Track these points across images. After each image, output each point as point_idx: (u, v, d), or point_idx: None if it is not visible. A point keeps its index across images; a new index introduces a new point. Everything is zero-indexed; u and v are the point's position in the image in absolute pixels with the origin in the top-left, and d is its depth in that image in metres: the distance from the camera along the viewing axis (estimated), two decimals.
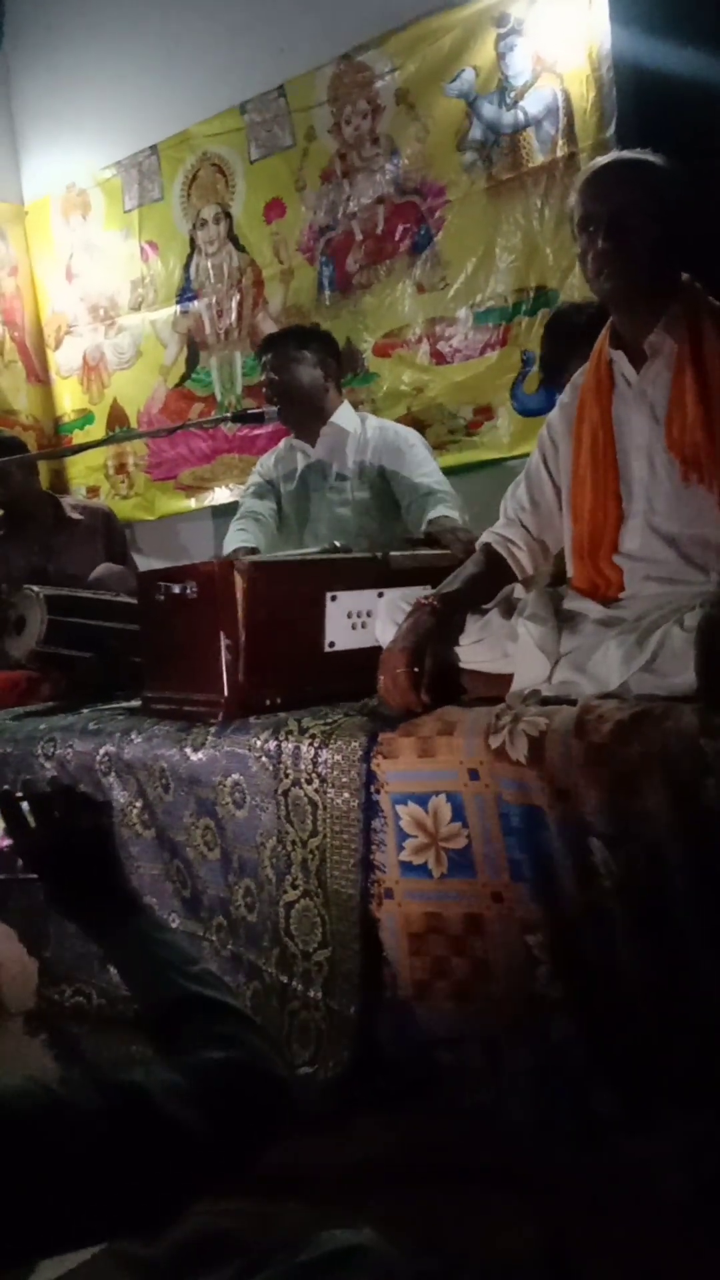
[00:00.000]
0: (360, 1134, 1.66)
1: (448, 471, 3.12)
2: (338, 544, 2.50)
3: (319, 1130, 1.66)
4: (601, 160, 1.87)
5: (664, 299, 1.81)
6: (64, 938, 2.25)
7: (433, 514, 2.62)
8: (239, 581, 1.93)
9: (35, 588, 2.78)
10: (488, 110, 3.33)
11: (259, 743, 1.87)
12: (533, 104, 3.23)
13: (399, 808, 1.70)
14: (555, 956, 1.55)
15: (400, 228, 3.59)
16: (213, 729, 1.97)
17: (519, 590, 1.96)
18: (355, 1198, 1.47)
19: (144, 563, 3.92)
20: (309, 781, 1.79)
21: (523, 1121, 1.56)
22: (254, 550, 2.91)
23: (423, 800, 1.68)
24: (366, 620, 2.00)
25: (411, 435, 3.06)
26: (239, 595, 1.93)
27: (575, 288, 3.14)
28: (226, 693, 1.99)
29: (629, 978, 1.49)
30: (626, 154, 1.85)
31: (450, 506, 2.81)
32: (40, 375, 4.71)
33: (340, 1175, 1.53)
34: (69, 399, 4.69)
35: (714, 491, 1.72)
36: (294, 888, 1.83)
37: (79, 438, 4.60)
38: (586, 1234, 1.32)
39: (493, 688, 1.77)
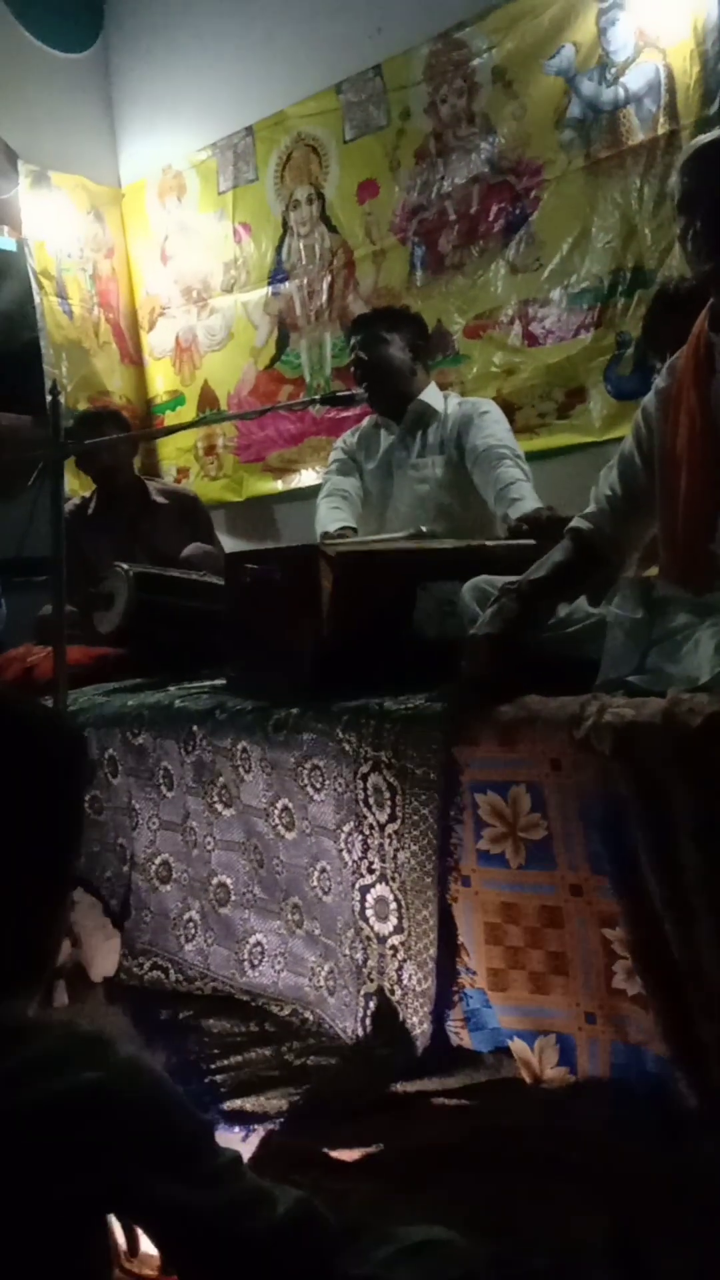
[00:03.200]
0: (432, 1118, 1.66)
1: (537, 455, 3.07)
2: (424, 529, 2.49)
3: (391, 1112, 1.67)
4: (705, 138, 1.81)
5: None
6: (144, 910, 2.29)
7: (517, 509, 2.56)
8: (325, 569, 1.93)
9: (125, 565, 2.83)
10: (587, 87, 3.26)
11: (339, 726, 1.87)
12: (634, 80, 3.14)
13: (477, 796, 1.69)
14: (635, 952, 1.53)
15: (495, 208, 3.54)
16: (294, 711, 1.98)
17: None
18: (425, 1180, 1.47)
19: (231, 544, 3.96)
20: (388, 766, 1.78)
21: (597, 1116, 1.54)
22: (354, 529, 2.89)
23: (502, 789, 1.66)
24: (456, 610, 1.98)
25: (485, 403, 3.00)
26: (325, 583, 1.93)
27: (674, 269, 3.05)
28: (309, 677, 1.99)
29: (711, 976, 1.46)
30: None
31: (514, 465, 2.73)
32: (134, 357, 4.77)
33: (410, 1158, 1.53)
34: (161, 380, 4.74)
35: None
36: (370, 872, 1.84)
37: (170, 419, 4.65)
38: (658, 1226, 1.30)
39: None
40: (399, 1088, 1.70)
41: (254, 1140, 1.61)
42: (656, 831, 1.49)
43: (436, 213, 3.70)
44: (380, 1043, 1.80)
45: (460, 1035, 1.76)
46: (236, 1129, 1.66)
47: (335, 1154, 1.56)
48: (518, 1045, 1.66)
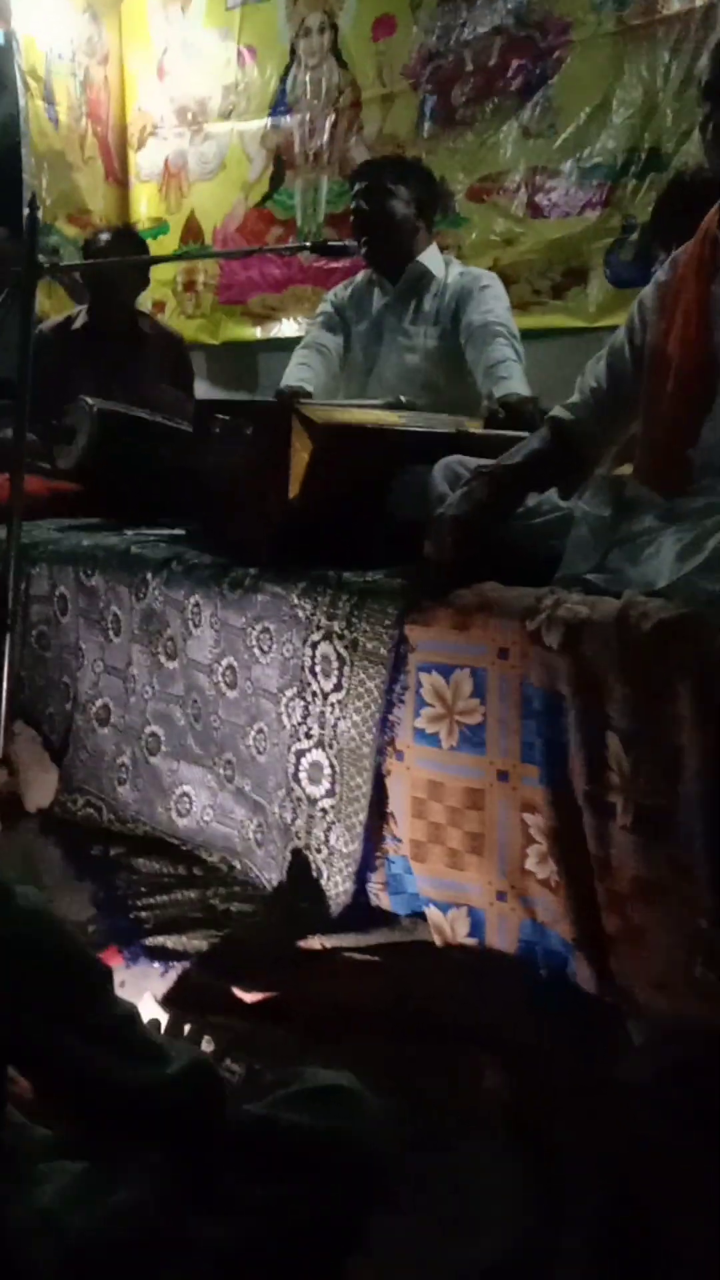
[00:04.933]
0: (345, 973, 1.74)
1: (527, 334, 2.99)
2: (404, 399, 2.43)
3: (309, 967, 1.74)
4: None
5: None
6: (81, 750, 2.32)
7: (502, 388, 2.50)
8: (301, 433, 1.88)
9: (90, 401, 2.74)
10: None
11: (295, 593, 1.86)
12: None
13: (422, 675, 1.71)
14: (552, 839, 1.58)
15: (514, 64, 3.35)
16: (252, 572, 1.96)
17: None
18: (332, 1031, 1.55)
19: (205, 390, 3.86)
20: (339, 637, 1.79)
21: (501, 986, 1.62)
22: (309, 395, 2.80)
23: (446, 672, 1.68)
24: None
25: (487, 276, 2.87)
26: (299, 447, 1.89)
27: (691, 155, 2.94)
28: (271, 542, 1.97)
29: (621, 871, 1.52)
30: None
31: (508, 345, 2.66)
32: (119, 176, 4.52)
33: (324, 1011, 1.61)
34: (145, 205, 4.51)
35: None
36: (308, 737, 1.87)
37: (153, 247, 4.43)
38: (547, 1099, 1.39)
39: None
40: (317, 941, 1.77)
41: (171, 977, 1.68)
42: (589, 729, 1.52)
43: (453, 61, 3.50)
44: (302, 896, 1.87)
45: (380, 897, 1.82)
46: (157, 964, 1.73)
47: (248, 997, 1.63)
48: (433, 913, 1.73)
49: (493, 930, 1.67)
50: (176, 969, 1.71)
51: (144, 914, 1.91)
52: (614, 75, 3.15)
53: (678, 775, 1.46)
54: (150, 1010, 1.54)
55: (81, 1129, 0.99)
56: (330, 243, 2.77)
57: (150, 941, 1.80)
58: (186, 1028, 1.50)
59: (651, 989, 1.50)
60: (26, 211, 2.16)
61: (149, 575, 2.16)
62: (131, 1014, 0.99)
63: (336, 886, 1.83)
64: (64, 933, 0.94)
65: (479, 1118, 1.38)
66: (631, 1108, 1.36)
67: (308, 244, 3.16)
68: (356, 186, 2.84)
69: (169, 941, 1.81)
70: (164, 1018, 1.53)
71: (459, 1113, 1.39)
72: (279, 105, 4.01)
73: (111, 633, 2.26)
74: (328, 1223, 0.98)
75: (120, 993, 1.55)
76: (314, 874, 1.86)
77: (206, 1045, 1.26)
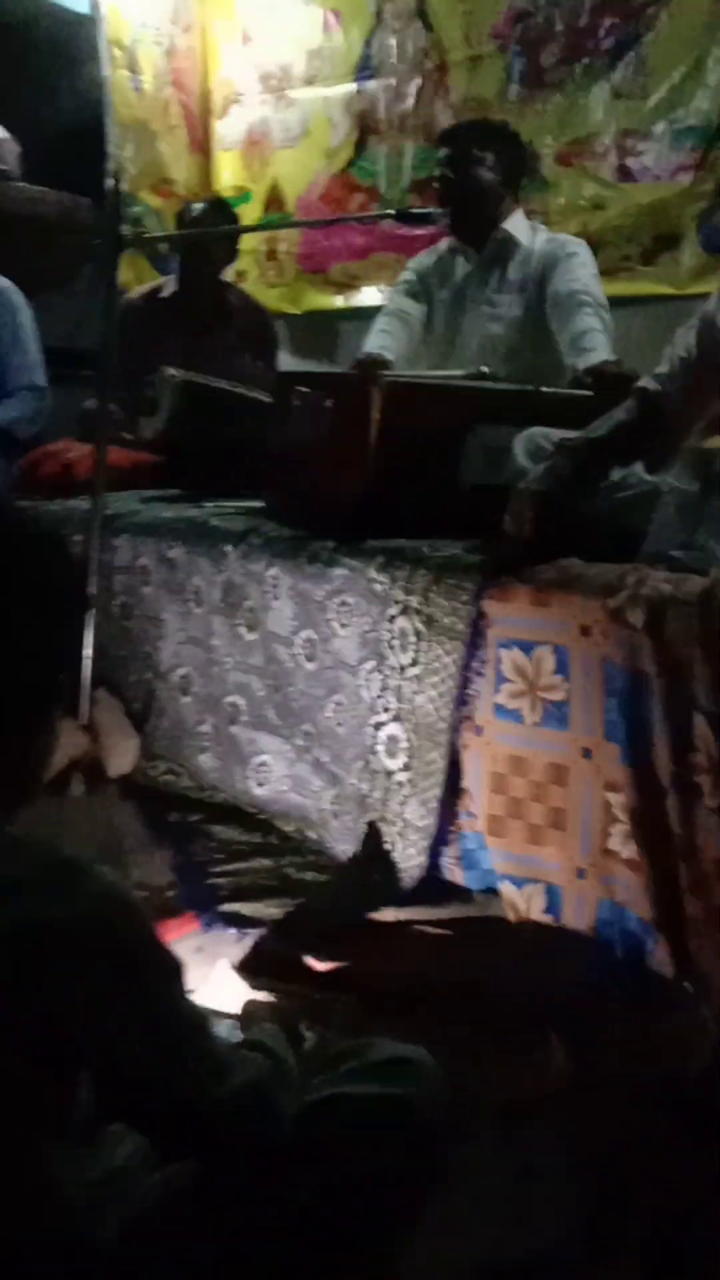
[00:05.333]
0: (416, 946, 1.74)
1: (615, 301, 2.91)
2: (485, 369, 2.40)
3: (380, 938, 1.75)
4: None
5: None
6: (162, 718, 2.35)
7: (587, 359, 2.44)
8: (376, 401, 1.88)
9: (174, 372, 2.76)
10: None
11: (373, 566, 1.86)
12: None
13: (502, 651, 1.70)
14: (635, 819, 1.57)
15: (606, 23, 3.24)
16: (330, 545, 1.97)
17: None
18: (399, 1003, 1.56)
19: (287, 361, 3.85)
20: (416, 612, 1.78)
21: (574, 966, 1.61)
22: (388, 363, 2.77)
23: (528, 648, 1.67)
24: (504, 459, 1.92)
25: (574, 243, 2.79)
26: (375, 414, 1.88)
27: None
28: (351, 511, 1.97)
29: (705, 852, 1.50)
30: None
31: (594, 315, 2.59)
32: (202, 145, 4.50)
33: (393, 983, 1.61)
34: (229, 173, 4.49)
35: None
36: (385, 710, 1.87)
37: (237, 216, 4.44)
38: (613, 1087, 1.37)
39: None
40: (389, 913, 1.78)
41: (246, 943, 1.70)
42: (674, 708, 1.50)
43: (543, 21, 3.39)
44: (377, 868, 1.88)
45: (453, 872, 1.83)
46: (232, 930, 1.76)
47: (319, 966, 1.65)
48: (507, 889, 1.73)
49: (570, 908, 1.66)
50: (251, 936, 1.73)
51: (220, 881, 1.94)
52: (711, 34, 3.02)
53: None
54: (225, 976, 1.57)
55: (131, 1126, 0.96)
56: (414, 209, 2.75)
57: (226, 908, 1.82)
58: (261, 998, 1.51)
59: None
60: (111, 183, 2.17)
61: (228, 547, 2.17)
62: (196, 1019, 0.94)
63: (410, 860, 1.84)
64: (139, 921, 0.89)
65: (541, 1100, 1.37)
66: (699, 1101, 1.34)
67: (391, 211, 3.12)
68: (442, 152, 2.78)
69: (244, 908, 1.83)
70: (239, 984, 1.55)
71: (522, 1094, 1.38)
72: (363, 70, 3.94)
73: (192, 604, 2.28)
74: (385, 1198, 0.97)
75: (196, 958, 1.61)
76: (387, 846, 1.87)
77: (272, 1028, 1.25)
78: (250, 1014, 1.40)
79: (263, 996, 1.53)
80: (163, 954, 0.91)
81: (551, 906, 1.68)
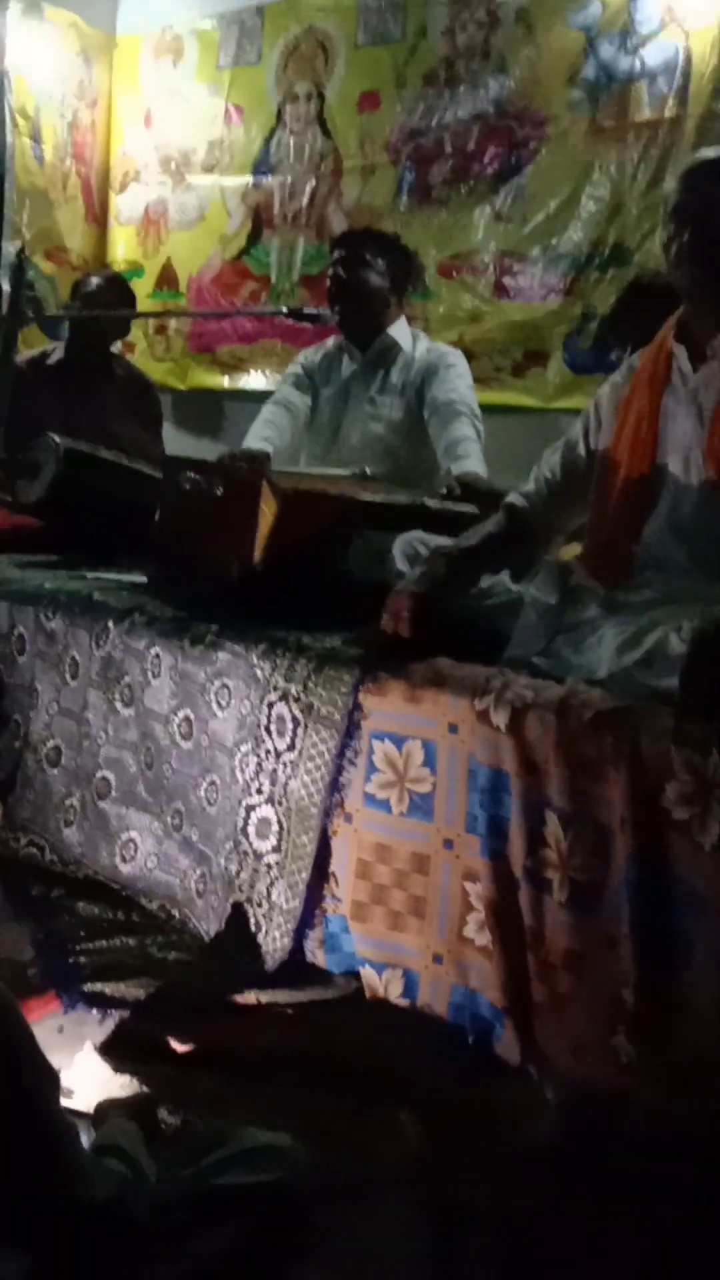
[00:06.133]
0: (276, 1026, 1.79)
1: (484, 409, 3.11)
2: (367, 470, 2.53)
3: (239, 1015, 1.79)
4: (709, 153, 1.86)
5: None
6: (29, 789, 2.34)
7: (460, 466, 2.61)
8: (269, 499, 1.97)
9: (57, 438, 2.79)
10: (606, 50, 3.24)
11: (256, 653, 1.93)
12: (652, 55, 3.15)
13: (375, 743, 1.78)
14: (490, 908, 1.66)
15: (491, 151, 3.52)
16: (214, 628, 2.03)
17: None
18: (259, 1082, 1.60)
19: (171, 432, 3.91)
20: (296, 700, 1.86)
21: (427, 1048, 1.68)
22: (267, 456, 2.87)
23: (399, 741, 1.76)
24: (386, 558, 2.03)
25: (453, 354, 2.98)
26: (267, 511, 1.97)
27: (651, 254, 3.11)
28: (234, 601, 2.04)
29: (553, 942, 1.60)
30: None
31: (469, 425, 2.77)
32: (99, 217, 4.60)
33: (250, 1059, 1.66)
34: (123, 247, 4.59)
35: None
36: (259, 793, 1.92)
37: None
38: (462, 1157, 1.45)
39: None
40: (252, 995, 1.82)
41: (109, 1024, 1.71)
42: (530, 806, 1.61)
43: (434, 141, 3.65)
44: (240, 949, 1.92)
45: (315, 954, 1.88)
46: (95, 1011, 1.76)
47: (181, 1047, 1.67)
48: (367, 973, 1.80)
49: (425, 992, 1.73)
50: (114, 1017, 1.74)
51: (83, 959, 1.94)
52: (584, 171, 3.32)
53: (609, 855, 1.55)
54: (88, 1059, 1.58)
55: None
56: (306, 310, 2.87)
57: (89, 988, 1.83)
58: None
59: (570, 1055, 1.58)
60: (16, 261, 2.23)
61: (110, 623, 2.21)
62: (68, 1128, 0.96)
63: (274, 942, 1.88)
64: (19, 1024, 0.92)
65: (395, 1169, 1.43)
66: (540, 1167, 1.43)
67: (284, 309, 3.25)
68: (336, 254, 2.93)
69: (107, 988, 1.84)
70: (102, 1067, 1.56)
71: (377, 1163, 1.44)
72: (261, 165, 4.13)
73: (69, 675, 2.30)
74: (252, 1274, 1.01)
75: (57, 1039, 1.61)
76: (253, 928, 1.91)
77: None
78: (102, 1113, 1.40)
79: (122, 1082, 1.54)
80: (42, 1059, 0.94)
81: (408, 990, 1.75)
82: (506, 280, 3.50)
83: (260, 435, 2.97)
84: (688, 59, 3.07)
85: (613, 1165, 1.35)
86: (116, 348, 4.05)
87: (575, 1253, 1.23)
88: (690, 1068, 1.44)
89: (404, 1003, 1.75)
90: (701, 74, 3.05)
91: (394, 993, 1.77)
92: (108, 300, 3.36)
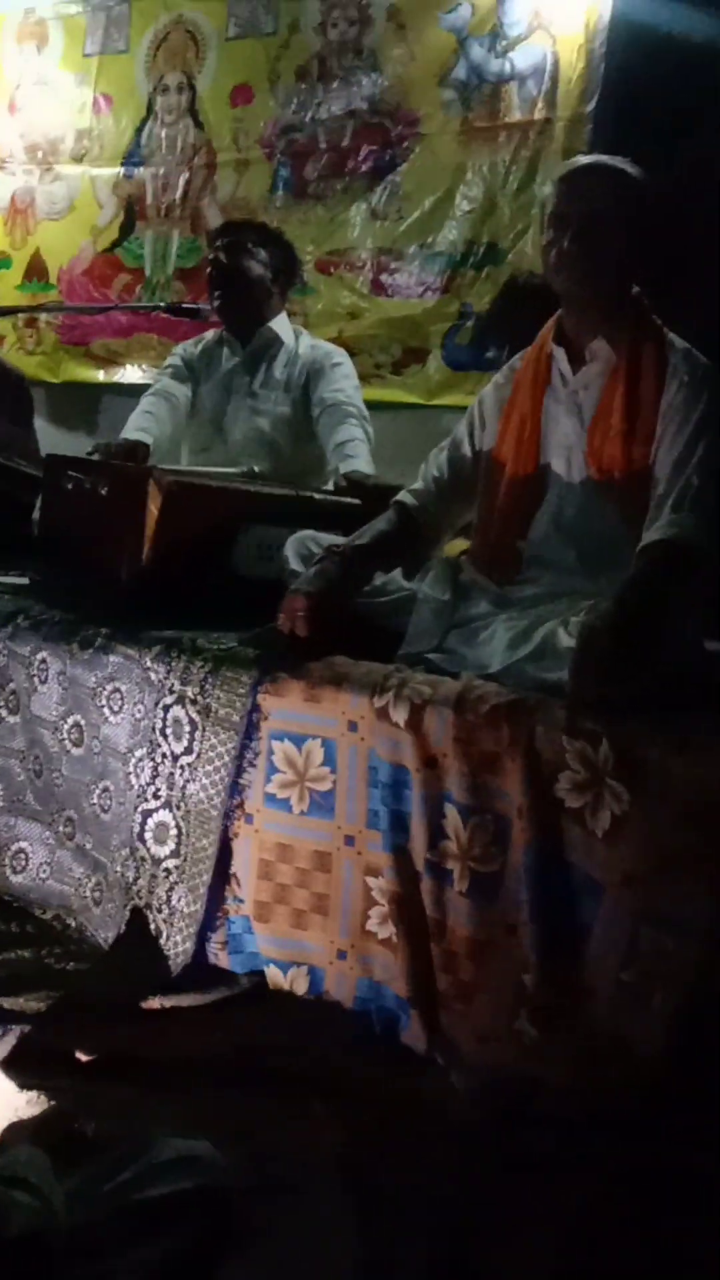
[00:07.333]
0: (184, 1030, 1.77)
1: (368, 406, 3.14)
2: (255, 468, 2.52)
3: (146, 1021, 1.77)
4: (583, 160, 1.92)
5: (613, 308, 1.88)
6: None
7: (348, 465, 2.63)
8: (154, 496, 1.94)
9: None
10: (476, 52, 3.30)
11: (149, 656, 1.91)
12: (522, 59, 3.22)
13: (274, 743, 1.79)
14: (393, 902, 1.69)
15: (366, 148, 3.54)
16: (104, 631, 2.00)
17: None
18: (173, 1088, 1.59)
19: (44, 426, 3.82)
20: (192, 702, 1.85)
21: (337, 1042, 1.70)
22: (146, 446, 2.82)
23: (299, 741, 1.77)
24: (275, 554, 2.04)
25: (338, 353, 2.98)
26: (152, 508, 1.95)
27: (525, 254, 3.19)
28: (123, 600, 2.01)
29: (455, 932, 1.64)
30: (608, 160, 1.89)
31: (358, 425, 2.78)
32: None
33: (166, 1065, 1.64)
34: None
35: (619, 505, 1.83)
36: (155, 797, 1.90)
37: None
38: (380, 1147, 1.47)
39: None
40: (156, 999, 1.80)
41: (10, 1040, 1.67)
42: (431, 800, 1.64)
43: (308, 137, 3.66)
44: (141, 955, 1.89)
45: (219, 956, 1.87)
46: None
47: (88, 1058, 1.65)
48: (272, 972, 1.80)
49: (332, 988, 1.75)
50: (15, 1032, 1.70)
51: None
52: (458, 171, 3.38)
53: (507, 844, 1.60)
54: None
55: None
56: (185, 305, 2.84)
57: None
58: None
59: (476, 1042, 1.62)
60: None
61: None
62: None
63: (177, 946, 1.87)
64: None
65: (314, 1163, 1.44)
66: (456, 1153, 1.46)
67: (162, 304, 3.20)
68: (218, 242, 2.88)
69: (5, 1003, 1.79)
70: (6, 1084, 1.53)
71: (297, 1158, 1.45)
72: (133, 156, 4.06)
73: None
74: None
75: None
76: (153, 933, 1.90)
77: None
78: (4, 1142, 1.37)
79: (29, 1099, 1.51)
80: None
81: (314, 987, 1.77)
82: (384, 277, 3.53)
83: (138, 426, 2.91)
84: (555, 63, 3.15)
85: (525, 1147, 1.39)
86: None
87: (496, 1233, 1.26)
88: (592, 1047, 1.50)
89: (311, 999, 1.76)
90: (569, 78, 3.13)
91: (300, 990, 1.78)
92: None
